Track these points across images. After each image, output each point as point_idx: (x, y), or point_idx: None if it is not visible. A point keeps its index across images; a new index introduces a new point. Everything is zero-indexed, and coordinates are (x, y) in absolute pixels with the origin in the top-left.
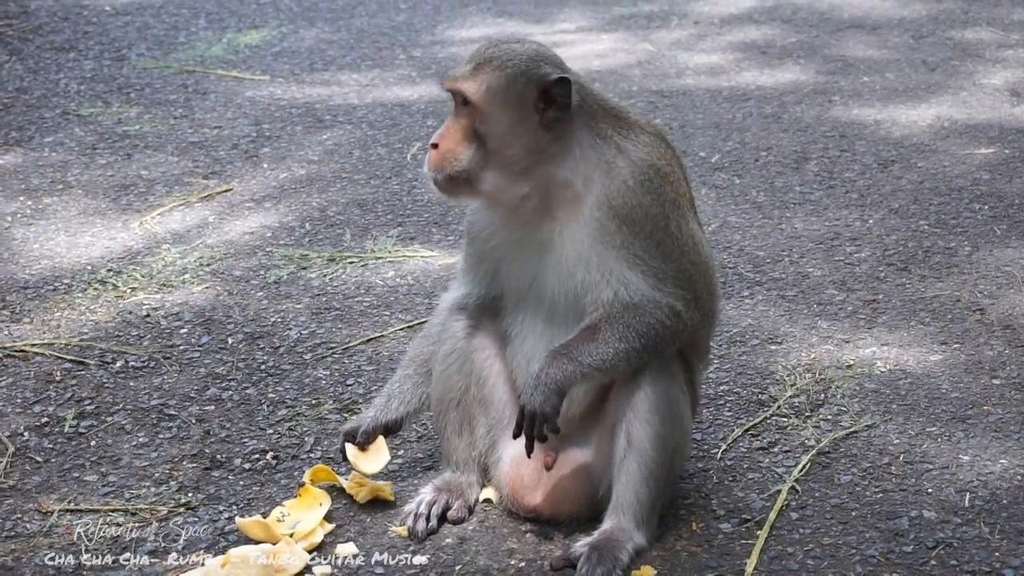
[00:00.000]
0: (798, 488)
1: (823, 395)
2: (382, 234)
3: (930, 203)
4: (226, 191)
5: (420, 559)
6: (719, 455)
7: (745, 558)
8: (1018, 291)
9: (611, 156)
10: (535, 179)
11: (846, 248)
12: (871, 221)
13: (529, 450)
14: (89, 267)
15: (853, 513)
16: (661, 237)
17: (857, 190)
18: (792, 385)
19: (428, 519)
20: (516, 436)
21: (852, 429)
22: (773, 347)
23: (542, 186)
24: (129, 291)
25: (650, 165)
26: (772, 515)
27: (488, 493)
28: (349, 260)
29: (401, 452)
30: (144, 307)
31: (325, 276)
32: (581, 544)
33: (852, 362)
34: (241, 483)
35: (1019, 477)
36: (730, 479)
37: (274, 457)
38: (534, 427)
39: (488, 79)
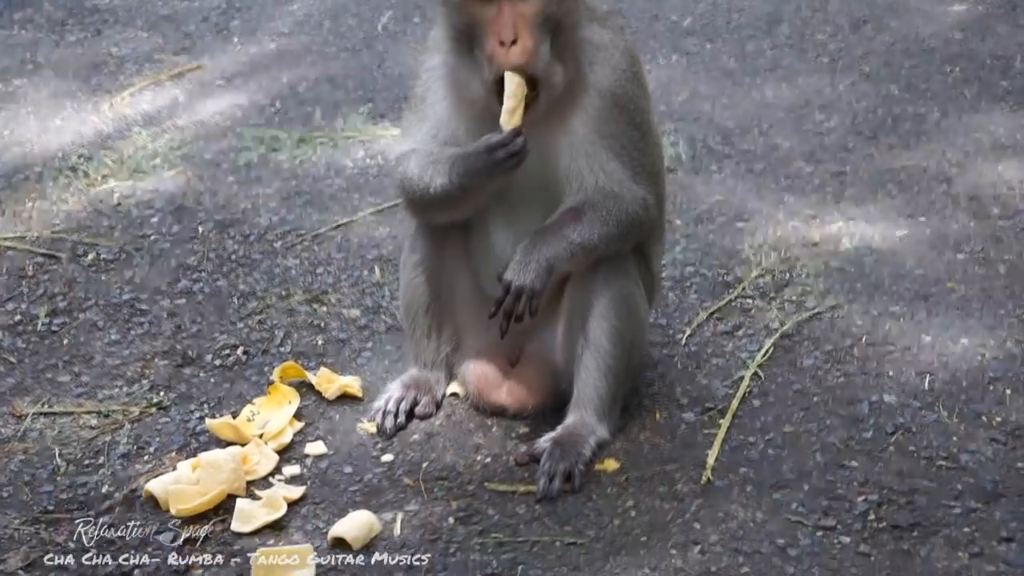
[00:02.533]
0: (760, 374)
1: (788, 275)
2: (352, 111)
3: (901, 66)
4: (196, 68)
5: (387, 456)
6: (684, 340)
7: (707, 448)
8: (985, 159)
9: (608, 44)
10: (570, 73)
11: (816, 116)
12: (841, 87)
13: (504, 330)
14: (60, 154)
15: (815, 399)
16: (645, 129)
17: (828, 54)
18: (758, 265)
19: (396, 416)
20: (493, 315)
21: (816, 311)
22: (740, 224)
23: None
24: (100, 178)
25: (633, 55)
26: (734, 403)
27: (454, 387)
28: (320, 141)
29: (369, 345)
30: (115, 195)
31: (295, 159)
32: (544, 439)
33: (818, 239)
34: (212, 380)
35: (979, 358)
36: (694, 366)
37: (244, 352)
38: (517, 304)
39: None
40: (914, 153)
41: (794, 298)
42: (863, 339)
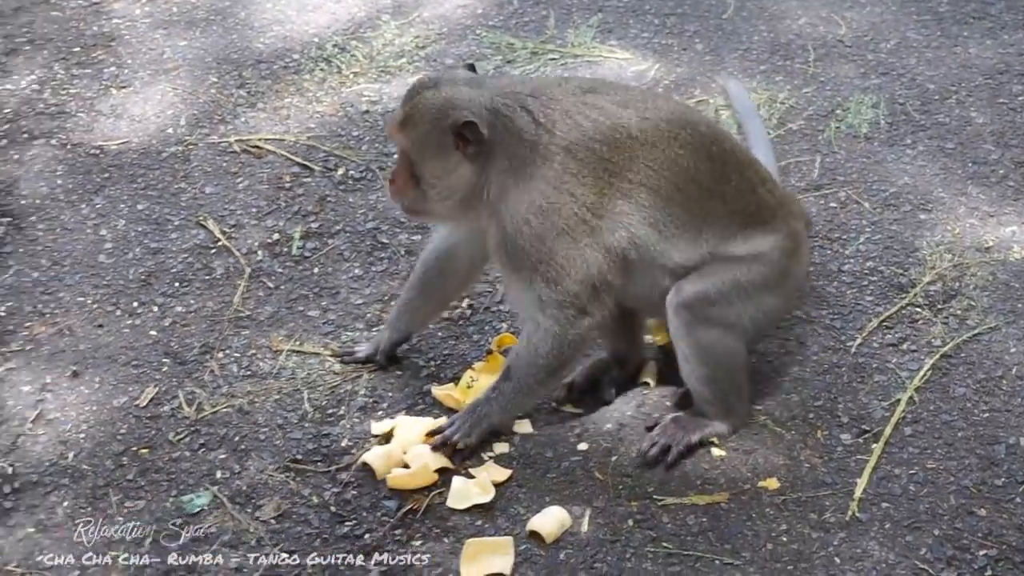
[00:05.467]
0: (916, 398)
1: (958, 284)
2: (583, 21)
3: None
4: None
5: (583, 445)
6: (853, 349)
7: (858, 476)
8: None
9: (515, 186)
10: (476, 203)
11: (1012, 87)
12: None
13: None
14: (316, 40)
15: (959, 434)
16: (543, 268)
17: None
18: (931, 268)
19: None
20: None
21: (976, 331)
22: (923, 216)
23: (481, 208)
24: (352, 76)
25: (544, 197)
26: (887, 429)
27: (647, 375)
28: (550, 56)
29: None
30: (363, 99)
31: (527, 73)
32: (672, 415)
33: (991, 243)
34: (440, 335)
35: None
36: (858, 380)
37: (469, 306)
38: (444, 447)
39: (412, 135)
40: None
41: (959, 312)
42: (1014, 370)
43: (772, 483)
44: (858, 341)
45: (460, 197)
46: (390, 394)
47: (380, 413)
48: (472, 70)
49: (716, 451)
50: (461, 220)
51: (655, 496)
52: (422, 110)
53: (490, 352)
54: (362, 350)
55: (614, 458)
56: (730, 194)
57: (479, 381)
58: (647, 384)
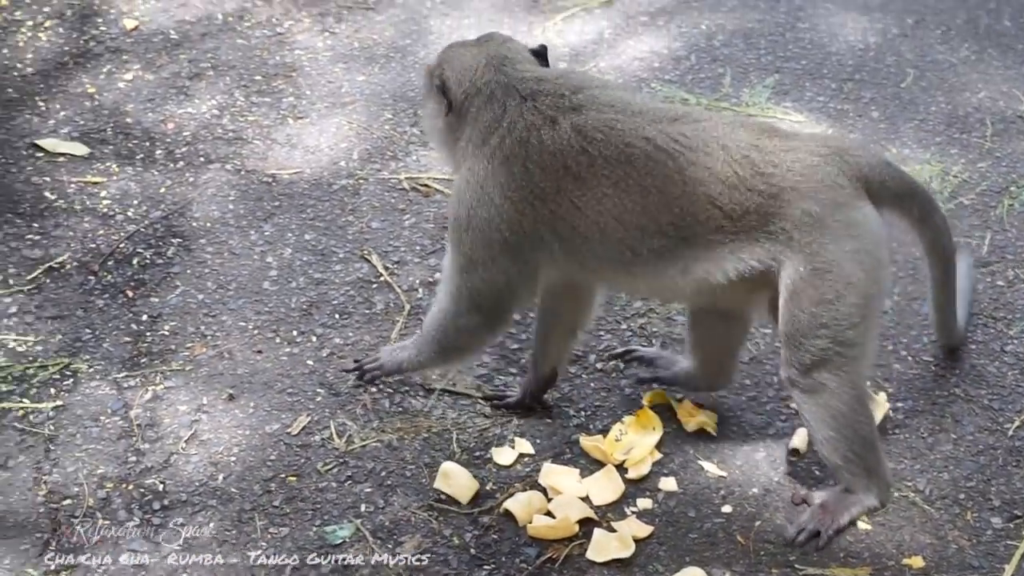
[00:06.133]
0: None
1: None
2: (759, 81)
3: None
4: None
5: (727, 508)
6: (1011, 431)
7: (1006, 562)
8: None
9: (471, 159)
10: (455, 157)
11: None
12: None
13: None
14: None
15: None
16: (458, 257)
17: None
18: None
19: None
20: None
21: None
22: None
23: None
24: None
25: (479, 187)
26: None
27: (797, 441)
28: (723, 112)
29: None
30: None
31: None
32: (820, 494)
33: None
34: (592, 385)
35: None
36: (1013, 463)
37: (621, 359)
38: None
39: (424, 75)
40: None
41: None
42: None
43: (917, 561)
44: (1016, 424)
45: (439, 142)
46: (538, 441)
47: (526, 459)
48: (542, 54)
49: (862, 524)
50: (449, 166)
51: (797, 565)
52: (434, 59)
53: (641, 407)
54: (512, 396)
55: (758, 523)
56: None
57: (628, 435)
58: (796, 452)
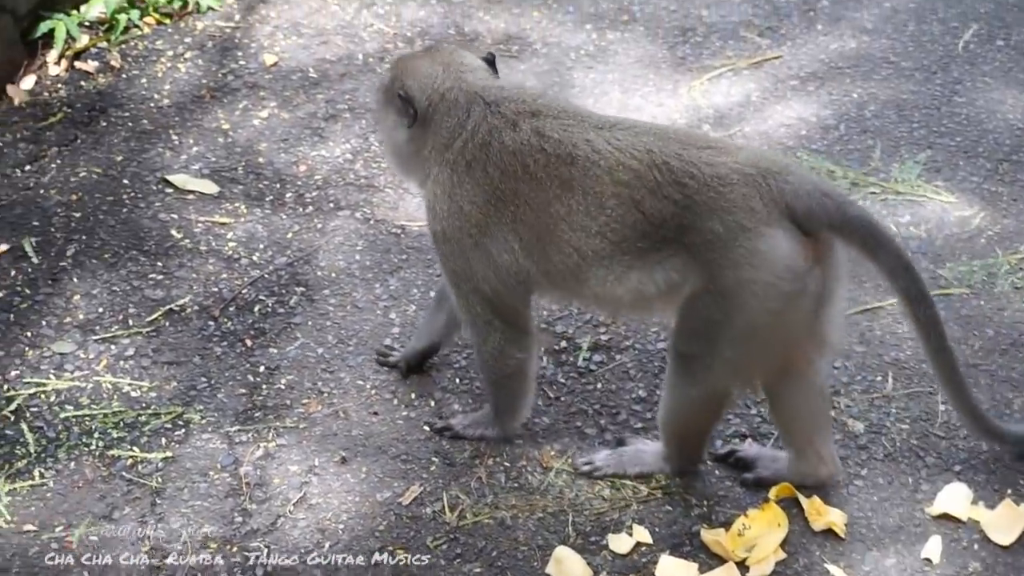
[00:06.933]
0: None
1: None
2: (910, 156)
3: None
4: (775, 58)
5: None
6: None
7: None
8: None
9: (429, 181)
10: (416, 170)
11: None
12: None
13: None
14: None
15: None
16: (449, 276)
17: None
18: None
19: None
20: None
21: None
22: None
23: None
24: None
25: (448, 198)
26: None
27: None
28: (871, 190)
29: (864, 472)
30: None
31: None
32: (633, 441)
33: None
34: (716, 473)
35: None
36: None
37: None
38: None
39: (378, 91)
40: None
41: None
42: None
43: None
44: None
45: (401, 156)
46: (657, 529)
47: (644, 549)
48: (492, 62)
49: None
50: (413, 183)
51: None
52: (389, 71)
53: (767, 500)
54: (395, 357)
55: None
56: None
57: (751, 530)
58: (929, 562)
